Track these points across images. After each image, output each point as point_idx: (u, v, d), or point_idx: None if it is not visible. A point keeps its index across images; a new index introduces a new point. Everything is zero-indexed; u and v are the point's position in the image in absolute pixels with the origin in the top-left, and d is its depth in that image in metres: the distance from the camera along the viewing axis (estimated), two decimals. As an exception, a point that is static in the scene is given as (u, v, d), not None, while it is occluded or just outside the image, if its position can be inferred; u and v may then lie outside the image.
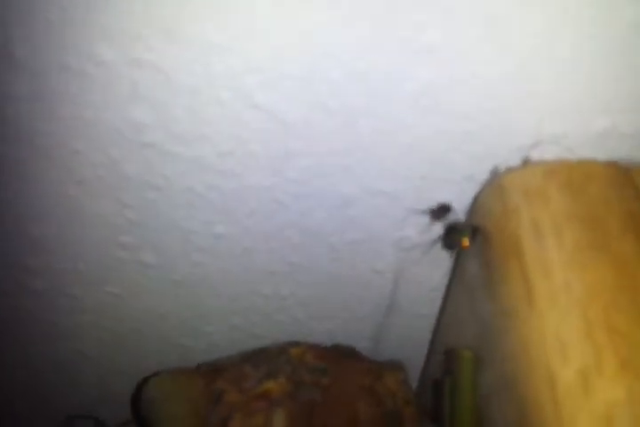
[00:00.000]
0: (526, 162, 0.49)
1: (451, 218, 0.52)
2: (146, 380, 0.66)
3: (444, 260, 0.58)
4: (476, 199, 0.51)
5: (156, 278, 0.63)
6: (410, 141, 0.49)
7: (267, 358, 0.64)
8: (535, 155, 0.49)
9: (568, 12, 0.41)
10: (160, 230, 0.58)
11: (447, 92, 0.46)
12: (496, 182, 0.48)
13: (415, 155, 0.50)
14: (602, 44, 0.43)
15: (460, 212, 0.53)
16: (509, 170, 0.49)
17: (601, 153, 0.48)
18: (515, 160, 0.50)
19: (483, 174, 0.51)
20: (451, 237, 0.50)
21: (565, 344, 0.38)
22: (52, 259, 0.62)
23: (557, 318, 0.39)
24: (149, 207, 0.56)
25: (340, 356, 0.62)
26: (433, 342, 0.65)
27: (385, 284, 0.62)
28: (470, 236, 0.48)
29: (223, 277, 0.63)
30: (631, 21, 0.42)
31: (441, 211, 0.51)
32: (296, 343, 0.64)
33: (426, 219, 0.54)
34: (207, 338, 0.72)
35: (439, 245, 0.55)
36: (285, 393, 0.58)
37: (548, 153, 0.49)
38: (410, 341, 0.68)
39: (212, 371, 0.66)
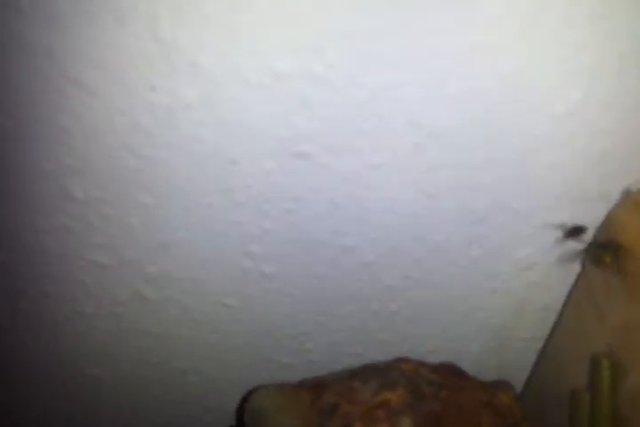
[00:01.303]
0: (659, 182, 0.52)
1: (584, 238, 0.54)
2: (253, 391, 0.67)
3: (560, 281, 0.61)
4: (609, 216, 0.54)
5: (273, 291, 0.65)
6: (551, 160, 0.53)
7: (376, 373, 0.65)
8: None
9: None
10: (290, 241, 0.61)
11: (595, 112, 0.50)
12: (632, 200, 0.51)
13: (553, 174, 0.53)
14: None
15: (590, 229, 0.56)
16: (643, 189, 0.52)
17: None
18: (647, 181, 0.53)
19: (615, 193, 0.54)
20: (593, 253, 0.53)
21: None
22: (174, 267, 0.64)
23: None
24: (286, 217, 0.58)
25: (451, 373, 0.63)
26: (538, 364, 0.66)
27: (498, 304, 0.65)
28: (612, 252, 0.50)
29: (338, 291, 0.65)
30: None
31: (576, 231, 0.54)
32: (405, 360, 0.65)
33: (549, 238, 0.57)
34: (306, 356, 0.73)
35: (559, 265, 0.58)
36: (405, 404, 0.59)
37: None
38: (512, 363, 0.69)
39: (317, 386, 0.67)
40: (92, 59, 0.49)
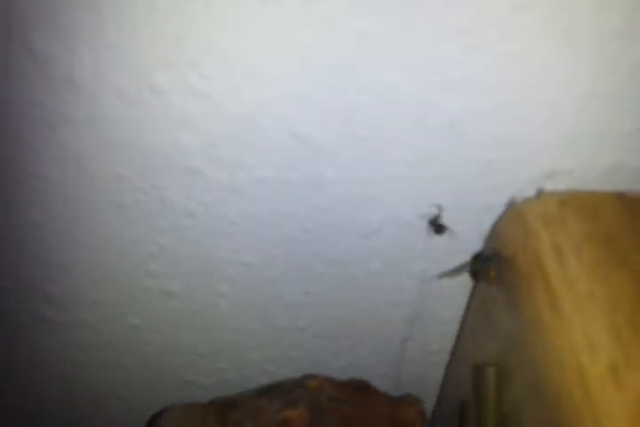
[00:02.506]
0: (540, 193, 0.53)
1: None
2: (159, 414, 0.67)
3: (459, 292, 0.61)
4: (494, 226, 0.54)
5: (178, 309, 0.65)
6: (434, 172, 0.53)
7: (282, 391, 0.65)
8: (548, 186, 0.53)
9: (586, 53, 0.47)
10: (189, 259, 0.60)
11: (473, 124, 0.50)
12: (515, 211, 0.52)
13: (438, 185, 0.54)
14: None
15: (476, 239, 0.56)
16: (526, 200, 0.53)
17: (607, 186, 0.53)
18: (529, 191, 0.54)
19: (500, 205, 0.54)
20: (476, 266, 0.53)
21: (594, 343, 0.41)
22: (76, 288, 0.63)
23: (584, 321, 0.42)
24: (183, 234, 0.58)
25: (357, 388, 0.63)
26: (446, 377, 0.66)
27: (402, 317, 0.65)
28: (496, 266, 0.51)
29: (243, 308, 0.65)
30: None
31: (440, 228, 0.55)
32: (312, 376, 0.65)
33: (441, 251, 0.58)
34: (219, 375, 0.72)
35: (457, 277, 0.58)
36: (306, 421, 0.59)
37: (560, 185, 0.53)
38: (422, 377, 0.69)
39: (226, 406, 0.67)
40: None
